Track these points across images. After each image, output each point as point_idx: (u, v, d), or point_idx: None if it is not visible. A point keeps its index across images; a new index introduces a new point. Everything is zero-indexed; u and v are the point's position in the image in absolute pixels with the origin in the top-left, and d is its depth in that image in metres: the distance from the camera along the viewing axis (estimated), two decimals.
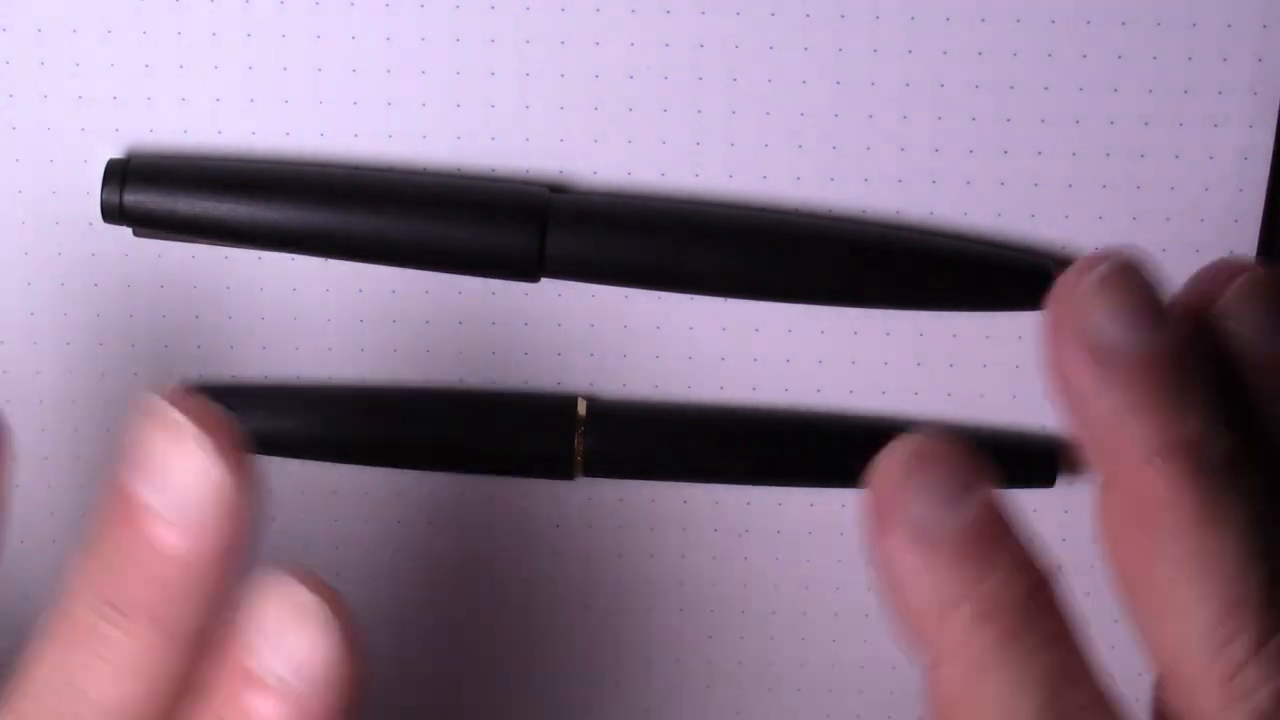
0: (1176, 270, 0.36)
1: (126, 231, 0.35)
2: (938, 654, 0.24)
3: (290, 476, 0.37)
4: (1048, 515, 0.37)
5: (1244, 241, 0.36)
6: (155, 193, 0.34)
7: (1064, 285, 0.24)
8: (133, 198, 0.34)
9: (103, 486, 0.25)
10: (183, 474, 0.23)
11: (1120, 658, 0.39)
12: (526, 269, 0.34)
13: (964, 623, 0.23)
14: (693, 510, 0.37)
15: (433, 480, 0.37)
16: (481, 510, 0.37)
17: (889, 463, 0.24)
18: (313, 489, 0.37)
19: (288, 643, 0.23)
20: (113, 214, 0.34)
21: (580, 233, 0.34)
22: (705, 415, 0.36)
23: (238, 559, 0.24)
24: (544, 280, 0.35)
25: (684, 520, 0.37)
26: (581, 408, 0.36)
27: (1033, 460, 0.36)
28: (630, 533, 0.37)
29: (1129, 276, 0.24)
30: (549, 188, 0.35)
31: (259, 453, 0.36)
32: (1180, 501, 0.23)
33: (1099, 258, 0.24)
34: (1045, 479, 0.36)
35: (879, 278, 0.35)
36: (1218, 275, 0.25)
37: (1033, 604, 0.24)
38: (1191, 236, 0.36)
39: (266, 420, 0.35)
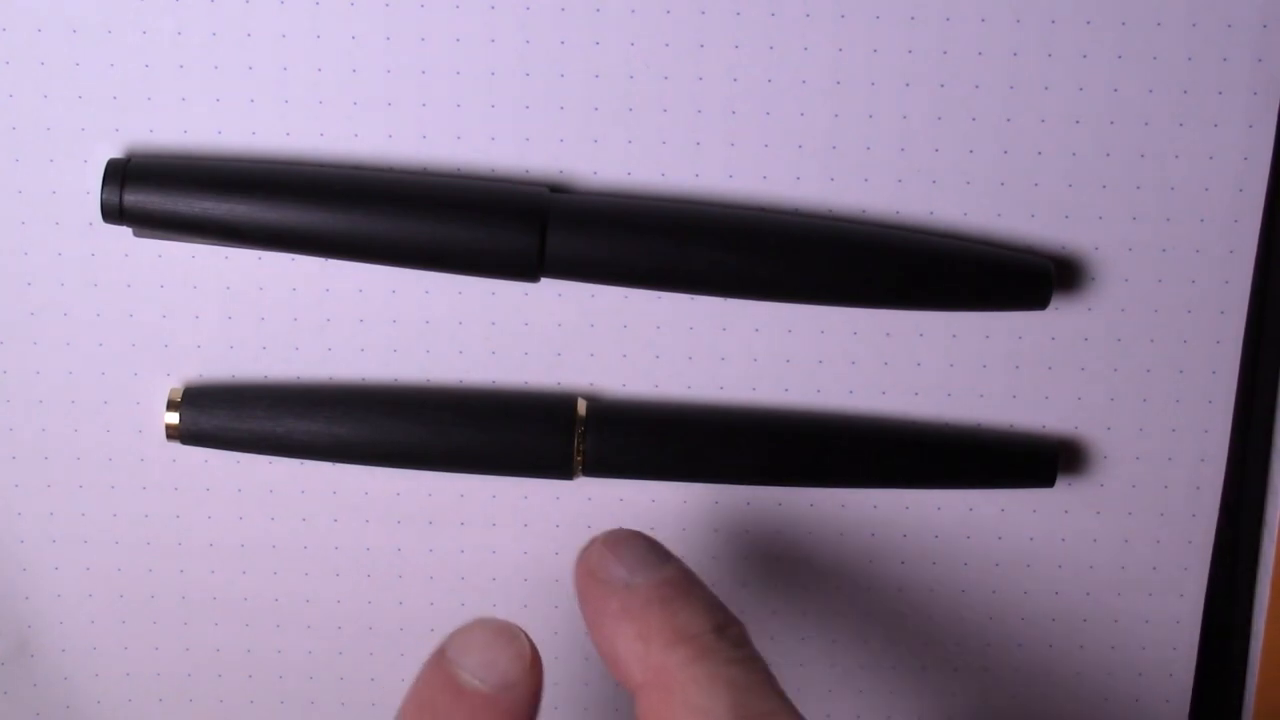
0: (1176, 270, 0.36)
1: (126, 231, 0.35)
2: (641, 684, 0.29)
3: (290, 476, 0.37)
4: (1048, 515, 0.37)
5: (1244, 241, 0.36)
6: (155, 193, 0.34)
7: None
8: (133, 198, 0.34)
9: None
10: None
11: (1119, 658, 0.39)
12: (526, 269, 0.34)
13: (659, 650, 0.29)
14: (693, 510, 0.37)
15: (433, 480, 0.37)
16: (481, 510, 0.37)
17: (593, 545, 0.32)
18: (313, 489, 0.37)
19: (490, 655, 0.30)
20: (113, 214, 0.34)
21: (580, 233, 0.34)
22: (705, 415, 0.36)
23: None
24: (544, 280, 0.35)
25: (684, 520, 0.37)
26: (581, 408, 0.36)
27: (1033, 460, 0.36)
28: None
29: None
30: (549, 188, 0.35)
31: (259, 453, 0.36)
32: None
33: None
34: (1045, 479, 0.36)
35: (879, 278, 0.35)
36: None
37: (720, 634, 0.29)
38: (1191, 236, 0.36)
39: (266, 420, 0.35)
